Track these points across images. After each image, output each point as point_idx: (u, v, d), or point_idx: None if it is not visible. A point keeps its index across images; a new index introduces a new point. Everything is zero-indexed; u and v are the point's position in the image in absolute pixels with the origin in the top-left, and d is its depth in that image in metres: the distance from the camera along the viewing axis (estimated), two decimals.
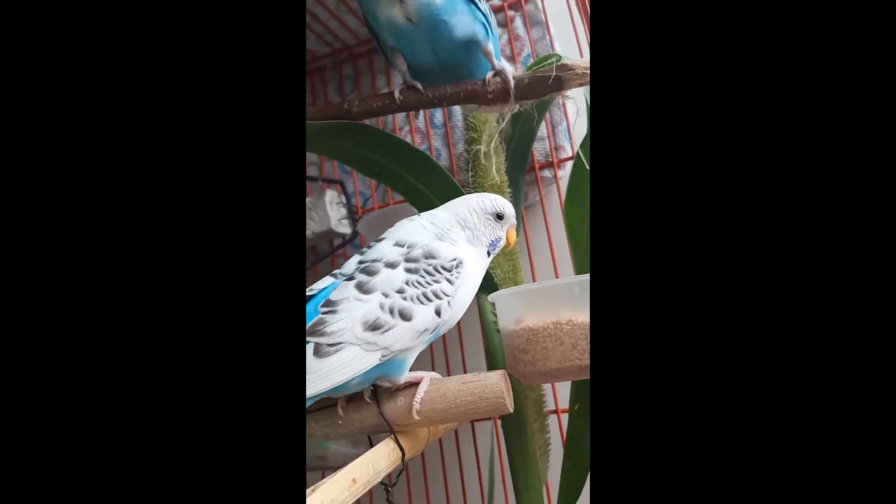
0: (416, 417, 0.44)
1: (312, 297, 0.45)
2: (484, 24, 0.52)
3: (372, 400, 0.47)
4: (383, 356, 0.42)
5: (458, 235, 0.48)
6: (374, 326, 0.42)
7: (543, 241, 0.75)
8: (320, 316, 0.42)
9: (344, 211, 0.84)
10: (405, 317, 0.43)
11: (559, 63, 0.52)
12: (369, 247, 0.48)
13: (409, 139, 0.83)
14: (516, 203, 0.69)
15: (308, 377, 0.40)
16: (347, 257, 0.89)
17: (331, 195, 0.83)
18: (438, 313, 0.44)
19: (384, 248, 0.46)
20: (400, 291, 0.43)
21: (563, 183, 0.78)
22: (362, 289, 0.43)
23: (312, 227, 0.83)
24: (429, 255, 0.45)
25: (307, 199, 0.84)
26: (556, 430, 0.65)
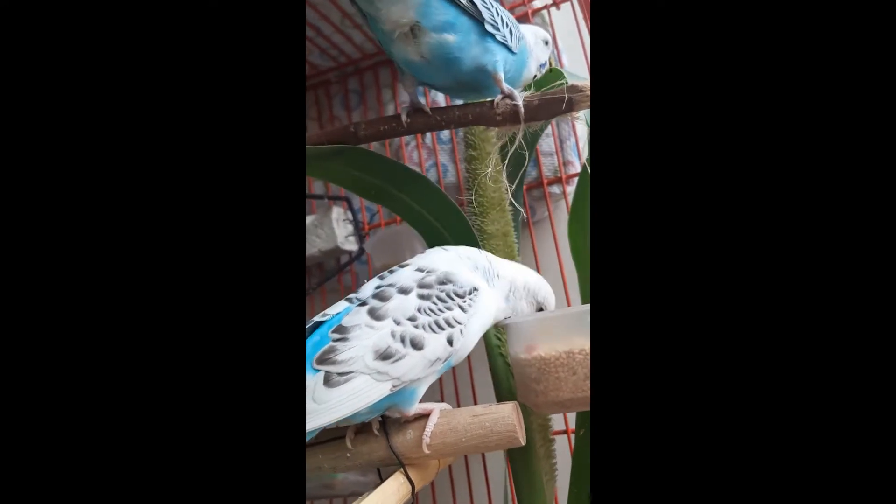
0: (427, 452, 0.43)
1: (324, 322, 0.44)
2: (497, 52, 0.51)
3: (380, 432, 0.46)
4: (394, 386, 0.41)
5: (502, 290, 0.49)
6: (385, 355, 0.41)
7: (552, 257, 0.74)
8: (331, 343, 0.41)
9: (350, 228, 0.83)
10: (416, 346, 0.42)
11: (569, 84, 0.51)
12: (391, 272, 0.47)
13: (415, 155, 0.82)
14: (515, 220, 0.68)
15: (317, 407, 0.39)
16: (354, 274, 0.89)
17: (337, 212, 0.82)
18: (451, 342, 0.43)
19: (404, 274, 0.46)
20: (412, 319, 0.42)
21: (572, 199, 0.77)
22: (374, 315, 0.42)
23: (319, 244, 0.82)
24: (443, 281, 0.44)
25: (313, 217, 0.83)
26: (565, 451, 0.64)
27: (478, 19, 0.49)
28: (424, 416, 0.45)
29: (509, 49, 0.52)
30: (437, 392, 0.78)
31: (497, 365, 0.60)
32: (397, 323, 0.42)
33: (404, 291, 0.44)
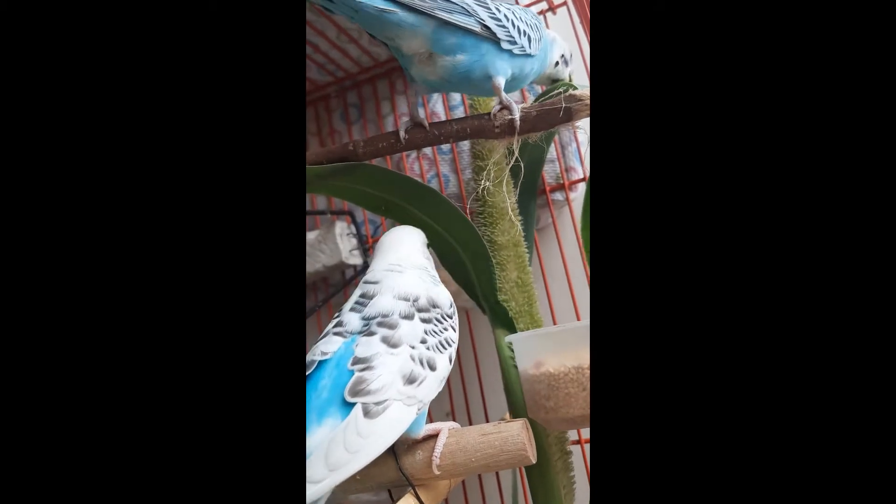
0: (437, 472, 0.43)
1: (326, 360, 0.43)
2: (508, 62, 0.52)
3: (390, 453, 0.45)
4: (419, 409, 0.42)
5: (433, 273, 0.50)
6: (411, 379, 0.42)
7: (558, 264, 0.74)
8: (358, 374, 0.41)
9: (354, 242, 0.83)
10: (432, 367, 0.43)
11: (567, 94, 0.50)
12: (362, 304, 0.46)
13: (416, 166, 0.82)
14: (528, 229, 0.67)
15: (364, 442, 0.38)
16: None
17: (340, 227, 0.82)
18: (451, 360, 0.45)
19: (388, 303, 0.45)
20: (423, 342, 0.44)
21: (575, 205, 0.76)
22: (389, 343, 0.43)
23: (323, 259, 0.82)
24: (434, 305, 0.46)
25: (316, 233, 0.83)
26: (579, 460, 0.64)
27: (493, 40, 0.50)
28: (433, 437, 0.44)
29: (528, 55, 0.53)
30: (445, 402, 0.77)
31: (510, 377, 0.60)
32: (412, 347, 0.43)
33: (408, 317, 0.44)
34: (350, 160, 0.54)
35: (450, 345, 0.46)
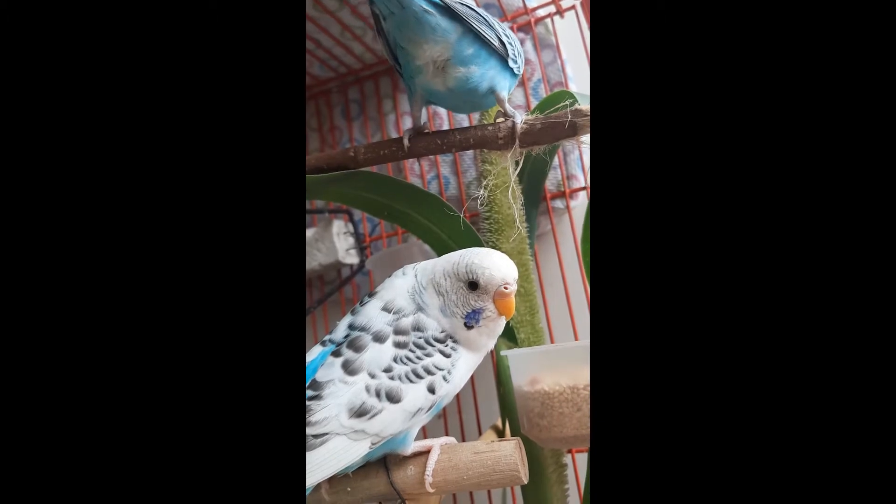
0: (430, 490, 0.43)
1: None
2: (508, 77, 0.52)
3: (381, 467, 0.45)
4: (373, 444, 0.40)
5: (432, 301, 0.42)
6: (360, 412, 0.39)
7: (556, 272, 0.73)
8: (307, 403, 0.40)
9: (351, 241, 0.82)
10: (393, 398, 0.40)
11: (573, 108, 0.49)
12: (361, 303, 0.45)
13: (416, 167, 0.81)
14: (530, 238, 0.67)
15: None
16: (356, 287, 0.88)
17: (338, 226, 0.81)
18: (432, 390, 0.41)
19: (371, 313, 0.43)
20: (387, 370, 0.40)
21: (576, 213, 0.76)
22: (348, 369, 0.40)
23: (319, 258, 0.81)
24: (417, 327, 0.42)
25: (314, 231, 0.82)
26: (571, 471, 0.64)
27: (502, 56, 0.50)
28: (425, 453, 0.44)
29: (515, 76, 0.53)
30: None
31: (507, 388, 0.59)
32: (372, 376, 0.40)
33: (379, 339, 0.41)
34: (349, 166, 0.53)
35: (432, 372, 0.41)
